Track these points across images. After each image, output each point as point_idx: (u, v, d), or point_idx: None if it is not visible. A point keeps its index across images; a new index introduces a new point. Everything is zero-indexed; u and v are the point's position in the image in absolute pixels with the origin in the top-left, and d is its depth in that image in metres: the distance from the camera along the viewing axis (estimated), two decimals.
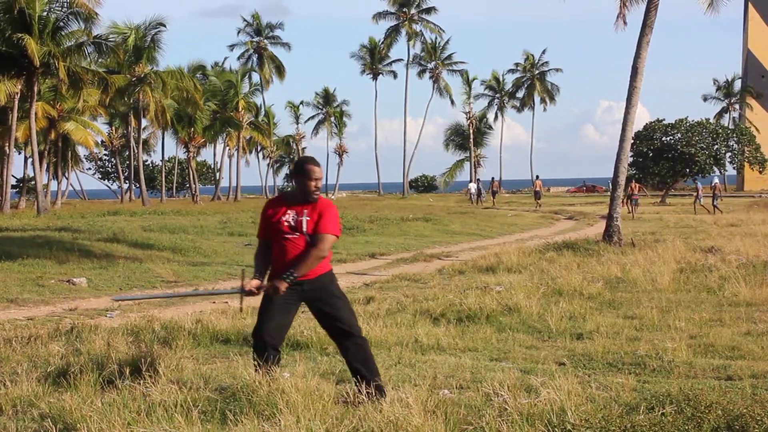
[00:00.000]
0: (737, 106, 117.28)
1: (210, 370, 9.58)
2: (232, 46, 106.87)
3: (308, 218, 8.06)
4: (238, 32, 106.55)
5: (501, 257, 22.41)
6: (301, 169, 8.14)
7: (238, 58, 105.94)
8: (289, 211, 8.13)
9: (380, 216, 42.85)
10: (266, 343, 8.10)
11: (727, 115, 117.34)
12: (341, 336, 8.30)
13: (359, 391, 7.93)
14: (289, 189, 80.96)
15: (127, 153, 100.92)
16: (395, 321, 12.96)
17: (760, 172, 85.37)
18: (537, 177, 72.39)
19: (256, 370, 8.01)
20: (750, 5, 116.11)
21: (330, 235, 8.09)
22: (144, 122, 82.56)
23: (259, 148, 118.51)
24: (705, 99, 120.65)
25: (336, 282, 8.44)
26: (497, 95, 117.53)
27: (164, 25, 74.85)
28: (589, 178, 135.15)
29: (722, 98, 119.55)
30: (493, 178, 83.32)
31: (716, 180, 59.31)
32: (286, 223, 8.09)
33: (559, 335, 12.40)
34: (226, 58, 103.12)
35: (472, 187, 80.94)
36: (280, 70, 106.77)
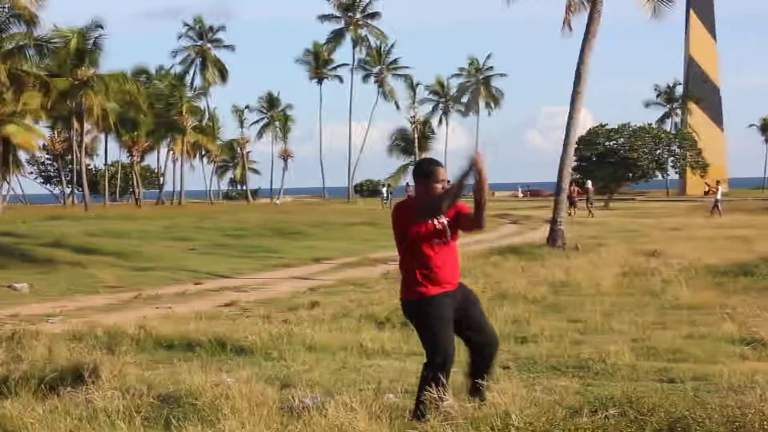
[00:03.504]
0: (679, 111, 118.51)
1: (153, 376, 9.51)
2: (175, 52, 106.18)
3: (447, 219, 7.58)
4: (180, 36, 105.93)
5: None
6: (427, 171, 7.69)
7: (181, 62, 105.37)
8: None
9: (325, 220, 42.86)
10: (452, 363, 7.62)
11: (669, 120, 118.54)
12: (489, 343, 7.81)
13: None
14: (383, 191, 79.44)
15: (69, 157, 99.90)
16: (340, 326, 12.94)
17: (702, 177, 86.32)
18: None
19: (440, 394, 7.33)
20: (691, 12, 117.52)
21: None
22: (87, 126, 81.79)
23: (203, 153, 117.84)
24: (647, 105, 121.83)
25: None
26: (442, 100, 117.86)
27: (102, 27, 74.13)
28: (533, 183, 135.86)
29: (664, 103, 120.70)
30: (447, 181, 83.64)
31: (589, 184, 60.52)
32: (437, 227, 7.57)
33: (503, 339, 12.39)
34: (172, 66, 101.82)
35: (384, 191, 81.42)
36: (223, 74, 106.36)
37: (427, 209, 7.47)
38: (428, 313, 7.44)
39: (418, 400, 7.45)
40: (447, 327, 7.50)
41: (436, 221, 7.52)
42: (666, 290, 16.79)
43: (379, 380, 9.28)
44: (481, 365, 7.68)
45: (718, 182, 65.20)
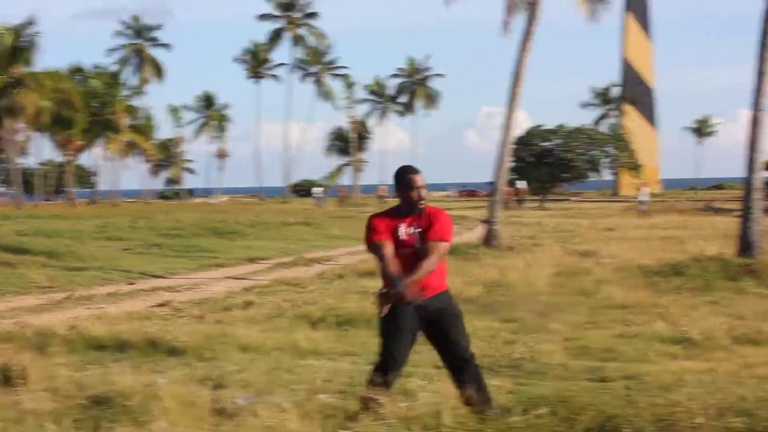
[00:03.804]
0: (615, 113, 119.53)
1: (84, 377, 9.41)
2: (111, 50, 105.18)
3: (419, 229, 7.52)
4: (117, 34, 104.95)
5: None
6: (401, 179, 7.58)
7: (117, 61, 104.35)
8: (400, 225, 7.55)
9: (261, 220, 42.66)
10: (397, 374, 7.61)
11: (604, 122, 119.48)
12: (457, 360, 7.73)
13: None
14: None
15: (2, 156, 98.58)
16: (274, 326, 12.92)
17: (636, 178, 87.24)
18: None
19: (368, 404, 7.38)
20: (627, 14, 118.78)
21: (442, 242, 7.52)
22: (20, 124, 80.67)
23: (139, 152, 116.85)
24: (583, 106, 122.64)
25: (454, 300, 7.87)
26: (380, 100, 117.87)
27: (34, 24, 73.18)
28: (469, 183, 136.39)
29: (600, 105, 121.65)
30: (379, 183, 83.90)
31: (521, 184, 61.35)
32: (400, 238, 7.52)
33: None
34: (108, 65, 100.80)
35: (317, 191, 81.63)
36: (160, 72, 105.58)
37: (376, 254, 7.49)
38: (385, 318, 7.43)
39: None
40: (397, 334, 7.49)
41: (403, 233, 7.50)
42: (599, 290, 16.94)
43: (313, 380, 9.26)
44: (456, 380, 7.67)
45: (642, 184, 66.26)
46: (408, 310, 7.43)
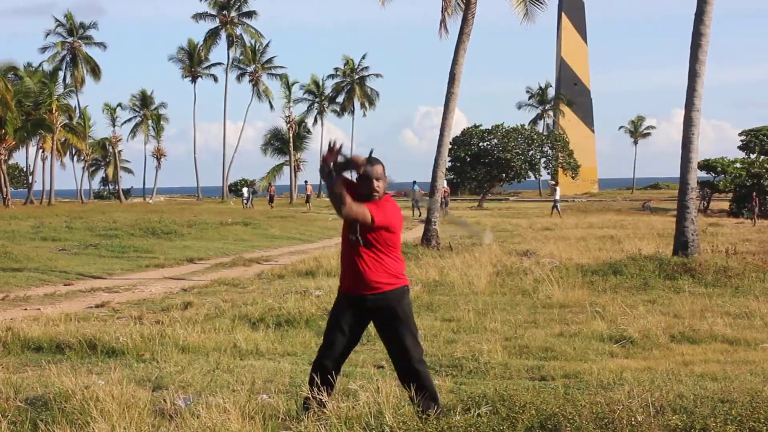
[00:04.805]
0: (551, 113, 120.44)
1: (21, 379, 9.30)
2: (44, 48, 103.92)
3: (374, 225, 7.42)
4: (48, 33, 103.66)
5: (321, 261, 22.42)
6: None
7: (49, 60, 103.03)
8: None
9: (199, 220, 42.37)
10: (332, 372, 7.51)
11: (541, 122, 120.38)
12: (393, 359, 7.70)
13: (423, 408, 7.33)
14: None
15: None
16: (213, 326, 12.82)
17: (573, 178, 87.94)
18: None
19: (309, 402, 7.38)
20: (563, 15, 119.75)
21: (368, 211, 7.36)
22: None
23: (74, 151, 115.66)
24: (519, 107, 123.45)
25: (406, 300, 7.64)
26: (317, 100, 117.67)
27: None
28: (408, 183, 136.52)
29: (536, 105, 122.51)
30: (306, 182, 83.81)
31: (417, 187, 61.76)
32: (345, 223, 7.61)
33: (378, 339, 12.46)
34: (41, 63, 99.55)
35: (245, 191, 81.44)
36: (95, 71, 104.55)
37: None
38: (330, 313, 7.64)
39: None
40: (333, 327, 7.52)
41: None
42: (538, 289, 17.05)
43: (253, 381, 9.22)
44: (402, 383, 7.63)
45: (554, 184, 67.06)
46: (348, 307, 7.48)
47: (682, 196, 22.65)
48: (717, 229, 37.74)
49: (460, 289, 17.55)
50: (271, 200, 78.53)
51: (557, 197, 58.51)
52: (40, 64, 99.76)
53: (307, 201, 76.52)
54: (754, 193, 57.99)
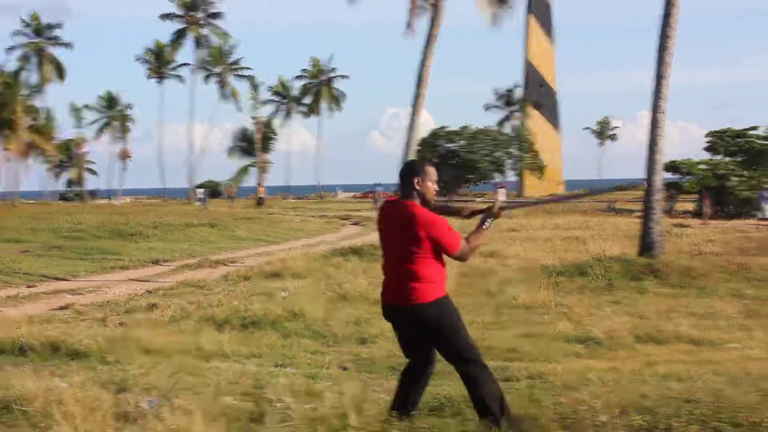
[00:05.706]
0: (518, 115, 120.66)
1: None
2: (10, 48, 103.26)
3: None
4: (14, 33, 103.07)
5: (287, 263, 22.36)
6: (422, 170, 7.51)
7: (18, 61, 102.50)
8: None
9: (164, 222, 42.15)
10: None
11: (508, 123, 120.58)
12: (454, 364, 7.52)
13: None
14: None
15: None
16: (179, 328, 12.79)
17: (539, 178, 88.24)
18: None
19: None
20: (530, 17, 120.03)
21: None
22: None
23: (39, 152, 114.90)
24: (487, 108, 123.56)
25: (436, 314, 7.81)
26: (284, 101, 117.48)
27: None
28: (371, 184, 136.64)
29: (503, 107, 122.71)
30: (259, 184, 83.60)
31: (381, 188, 61.79)
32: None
33: (344, 340, 12.46)
34: (6, 63, 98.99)
35: (200, 192, 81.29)
36: (60, 72, 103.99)
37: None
38: None
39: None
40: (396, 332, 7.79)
41: None
42: (503, 290, 17.07)
43: (218, 383, 9.16)
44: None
45: (499, 185, 67.44)
46: (387, 312, 8.01)
47: (648, 198, 22.77)
48: (682, 230, 37.94)
49: None
50: (260, 202, 77.82)
51: (501, 198, 58.67)
52: (5, 65, 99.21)
53: (259, 203, 76.18)
54: (703, 192, 58.12)
